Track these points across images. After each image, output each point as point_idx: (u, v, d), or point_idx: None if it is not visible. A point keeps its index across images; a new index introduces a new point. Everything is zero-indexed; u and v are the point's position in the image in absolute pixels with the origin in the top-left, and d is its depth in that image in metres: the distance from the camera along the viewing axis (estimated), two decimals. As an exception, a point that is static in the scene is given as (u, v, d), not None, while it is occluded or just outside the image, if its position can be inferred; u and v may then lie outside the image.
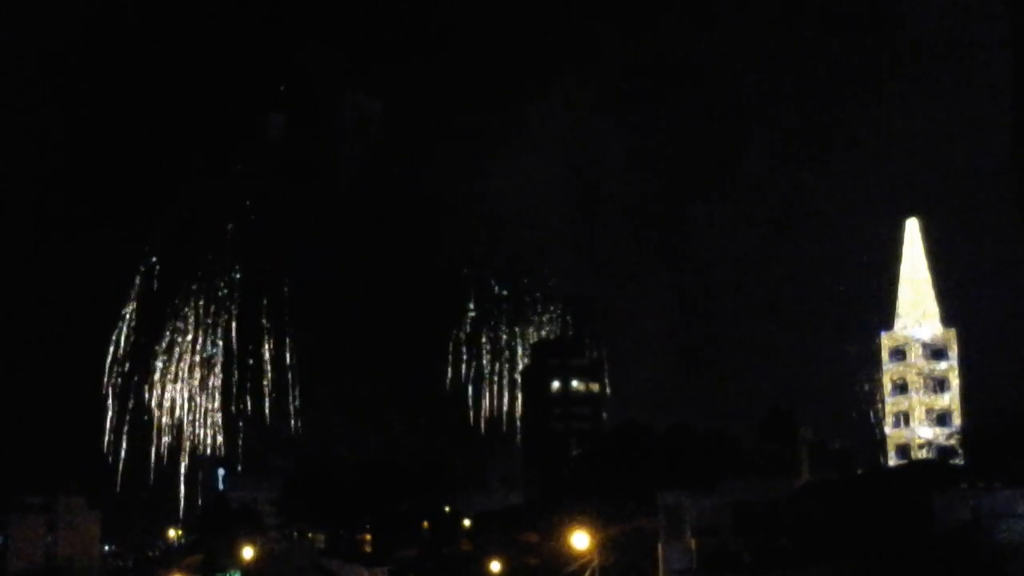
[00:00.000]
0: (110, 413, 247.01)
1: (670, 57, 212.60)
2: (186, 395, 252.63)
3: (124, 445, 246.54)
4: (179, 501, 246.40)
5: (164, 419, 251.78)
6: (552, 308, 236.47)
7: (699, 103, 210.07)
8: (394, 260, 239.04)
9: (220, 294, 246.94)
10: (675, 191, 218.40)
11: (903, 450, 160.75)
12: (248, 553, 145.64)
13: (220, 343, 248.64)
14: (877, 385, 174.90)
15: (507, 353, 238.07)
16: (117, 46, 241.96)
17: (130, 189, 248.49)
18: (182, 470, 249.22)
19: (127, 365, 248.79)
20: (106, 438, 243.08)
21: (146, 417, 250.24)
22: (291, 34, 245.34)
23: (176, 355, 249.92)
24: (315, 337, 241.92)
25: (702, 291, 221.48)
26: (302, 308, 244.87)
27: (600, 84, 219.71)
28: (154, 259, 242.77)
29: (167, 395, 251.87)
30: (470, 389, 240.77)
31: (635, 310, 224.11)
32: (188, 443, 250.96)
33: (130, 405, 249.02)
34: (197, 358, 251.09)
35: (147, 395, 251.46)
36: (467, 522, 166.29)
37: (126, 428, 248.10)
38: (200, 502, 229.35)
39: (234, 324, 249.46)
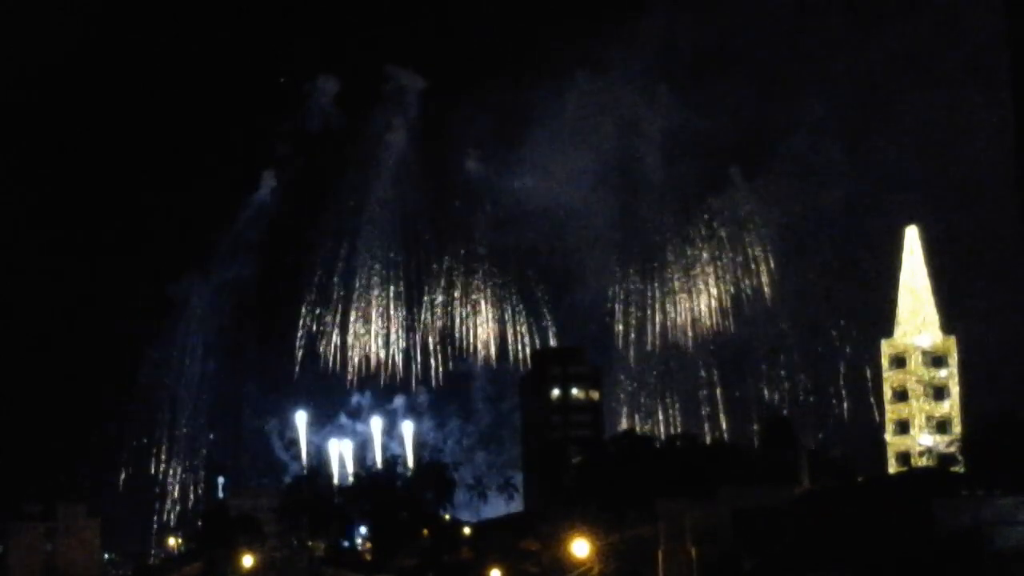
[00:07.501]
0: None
1: (711, 40, 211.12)
2: (185, 400, 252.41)
3: (124, 452, 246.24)
4: (179, 509, 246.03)
5: (164, 427, 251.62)
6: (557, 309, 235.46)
7: (738, 88, 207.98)
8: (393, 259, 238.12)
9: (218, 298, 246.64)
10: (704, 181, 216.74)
11: (903, 457, 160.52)
12: (248, 561, 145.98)
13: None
14: (877, 392, 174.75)
15: (510, 356, 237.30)
16: (143, 33, 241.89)
17: (138, 191, 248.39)
18: (182, 478, 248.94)
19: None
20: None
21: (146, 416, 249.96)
22: (329, 13, 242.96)
23: (179, 352, 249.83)
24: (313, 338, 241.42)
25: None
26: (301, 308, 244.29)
27: (641, 65, 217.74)
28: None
29: (168, 397, 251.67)
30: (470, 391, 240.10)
31: (638, 312, 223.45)
32: (188, 449, 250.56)
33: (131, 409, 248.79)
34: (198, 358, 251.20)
35: (147, 397, 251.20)
36: (467, 530, 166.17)
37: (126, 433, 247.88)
38: (199, 511, 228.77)
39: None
